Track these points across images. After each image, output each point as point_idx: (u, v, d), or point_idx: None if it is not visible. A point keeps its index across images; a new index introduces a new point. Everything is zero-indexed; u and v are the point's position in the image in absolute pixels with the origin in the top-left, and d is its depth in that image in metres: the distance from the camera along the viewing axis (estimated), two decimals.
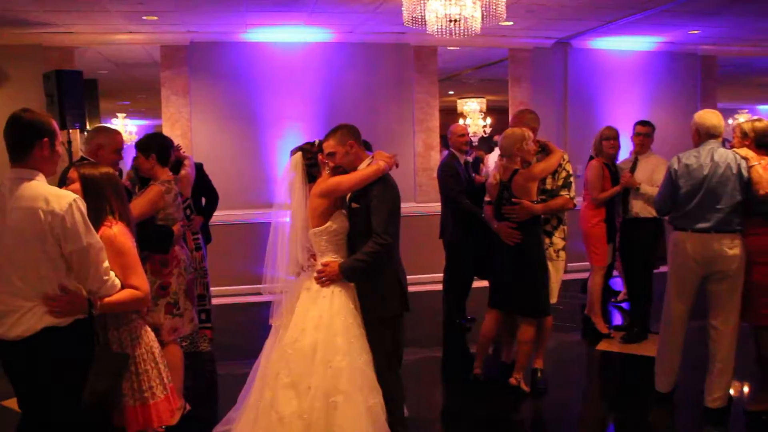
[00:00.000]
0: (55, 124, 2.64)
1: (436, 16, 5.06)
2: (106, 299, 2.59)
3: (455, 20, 5.09)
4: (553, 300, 4.69)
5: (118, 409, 2.73)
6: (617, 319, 6.54)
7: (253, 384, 3.58)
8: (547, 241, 4.60)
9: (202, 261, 5.34)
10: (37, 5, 6.15)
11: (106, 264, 2.59)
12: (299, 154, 3.68)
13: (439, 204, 6.31)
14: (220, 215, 7.60)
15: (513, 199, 4.38)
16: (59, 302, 2.50)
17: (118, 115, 11.93)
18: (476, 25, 5.11)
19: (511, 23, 7.30)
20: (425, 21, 5.14)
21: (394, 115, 8.13)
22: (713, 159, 4.06)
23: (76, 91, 6.66)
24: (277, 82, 7.77)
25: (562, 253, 4.67)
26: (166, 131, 7.62)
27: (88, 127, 6.91)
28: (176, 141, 7.49)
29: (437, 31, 5.08)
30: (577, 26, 7.68)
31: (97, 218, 2.69)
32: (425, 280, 7.72)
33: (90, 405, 2.51)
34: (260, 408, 3.37)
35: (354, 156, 3.49)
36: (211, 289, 7.37)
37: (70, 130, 6.74)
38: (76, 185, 2.77)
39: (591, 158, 5.94)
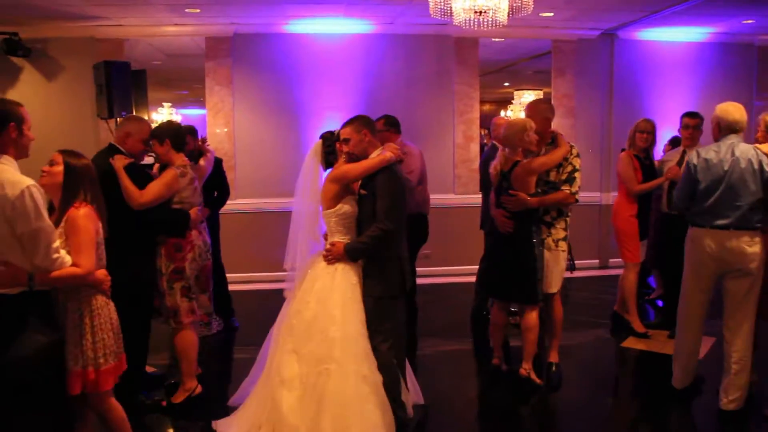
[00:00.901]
0: (23, 111, 2.90)
1: (463, 8, 5.04)
2: (46, 275, 2.81)
3: (482, 11, 5.06)
4: (554, 290, 4.65)
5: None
6: (651, 317, 6.37)
7: (266, 354, 3.86)
8: (546, 231, 4.57)
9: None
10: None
11: (56, 244, 2.82)
12: (320, 141, 3.95)
13: (478, 196, 6.29)
14: (260, 203, 7.85)
15: (510, 191, 4.41)
16: (1, 274, 2.75)
17: (164, 104, 12.31)
18: (502, 16, 5.05)
19: (551, 14, 7.18)
20: (452, 12, 5.12)
21: (434, 107, 8.12)
22: (734, 154, 3.93)
23: (123, 81, 6.91)
24: (318, 73, 7.87)
25: (563, 244, 4.61)
26: (210, 120, 7.86)
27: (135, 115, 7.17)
28: (219, 130, 7.81)
29: (464, 23, 5.05)
30: (623, 17, 7.47)
31: (69, 199, 2.98)
32: (462, 272, 7.71)
33: (10, 368, 2.72)
34: (270, 372, 3.67)
35: (367, 144, 3.73)
36: (250, 275, 7.61)
37: (118, 119, 7.01)
38: (60, 167, 3.01)
39: (622, 150, 5.84)
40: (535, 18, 7.33)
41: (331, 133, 3.97)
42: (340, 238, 3.72)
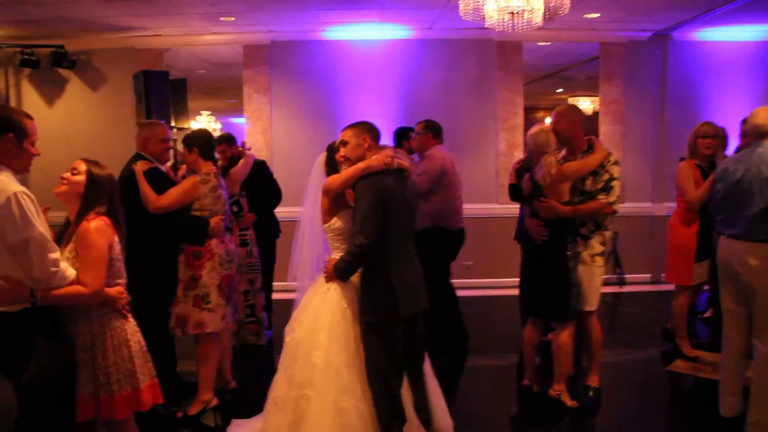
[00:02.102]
0: (27, 123, 2.73)
1: (495, 9, 4.81)
2: (49, 292, 2.63)
3: (515, 12, 4.81)
4: (591, 307, 4.31)
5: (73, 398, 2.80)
6: (703, 336, 5.94)
7: None
8: (581, 244, 4.26)
9: (248, 257, 5.38)
10: (121, 11, 6.49)
11: (54, 256, 2.62)
12: (324, 153, 3.71)
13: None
14: (297, 212, 7.71)
15: (541, 198, 4.14)
16: (1, 291, 2.58)
17: (203, 112, 12.41)
18: (538, 18, 4.79)
19: (597, 15, 6.85)
20: (484, 14, 4.89)
21: (476, 114, 7.87)
22: (750, 161, 3.63)
23: (162, 90, 6.97)
24: (356, 80, 7.75)
25: (599, 259, 4.27)
26: (248, 128, 7.83)
27: (173, 123, 7.21)
28: (257, 137, 7.77)
29: (497, 25, 4.82)
30: (677, 15, 7.06)
31: (87, 211, 2.80)
32: (505, 284, 7.42)
33: (25, 392, 2.60)
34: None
35: (365, 150, 3.43)
36: (285, 284, 7.50)
37: None
38: (81, 177, 2.86)
39: (681, 159, 5.27)
40: (580, 20, 7.05)
41: (334, 143, 3.71)
42: (338, 255, 3.45)
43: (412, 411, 3.50)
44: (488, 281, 7.78)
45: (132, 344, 2.84)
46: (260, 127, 7.80)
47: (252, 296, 5.44)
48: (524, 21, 4.76)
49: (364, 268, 3.36)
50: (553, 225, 4.14)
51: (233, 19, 6.88)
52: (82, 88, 7.78)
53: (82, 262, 2.72)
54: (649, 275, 8.02)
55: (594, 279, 4.29)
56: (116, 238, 2.86)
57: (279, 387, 3.40)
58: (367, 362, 3.30)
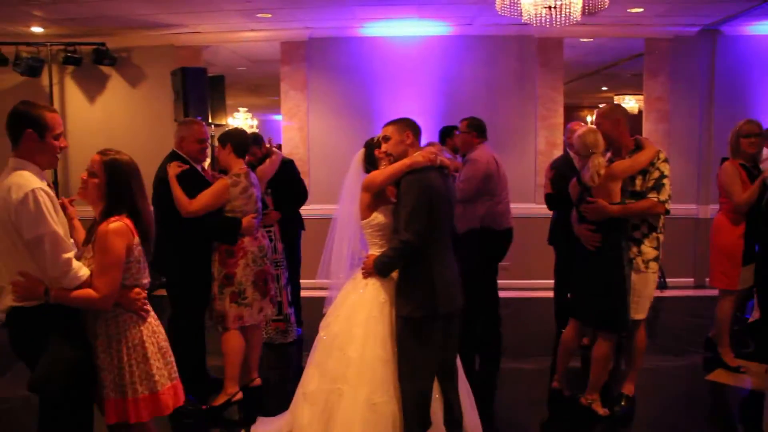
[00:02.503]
0: (48, 117, 2.71)
1: (532, 3, 4.68)
2: (62, 291, 2.62)
3: (553, 6, 4.68)
4: (641, 316, 4.13)
5: (98, 400, 2.78)
6: (747, 344, 5.67)
7: None
8: (634, 249, 4.06)
9: (273, 253, 5.35)
10: (160, 8, 6.55)
11: (67, 256, 2.61)
12: (362, 150, 3.69)
13: None
14: (334, 209, 7.69)
15: (588, 198, 3.97)
16: (17, 286, 2.61)
17: (240, 109, 12.48)
18: (576, 12, 4.64)
19: (641, 9, 6.63)
20: (521, 9, 4.77)
21: (515, 111, 7.71)
22: None
23: (199, 87, 7.03)
24: (393, 77, 7.68)
25: (653, 265, 4.07)
26: (285, 125, 7.83)
27: (210, 120, 7.25)
28: (294, 134, 7.77)
29: (534, 20, 4.69)
30: (728, 9, 6.76)
31: (109, 211, 2.73)
32: (542, 286, 7.24)
33: (33, 388, 2.61)
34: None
35: (408, 147, 3.39)
36: (312, 281, 7.51)
37: None
38: (96, 180, 2.80)
39: (723, 160, 5.04)
40: (623, 15, 6.84)
41: (373, 139, 3.70)
42: (377, 251, 3.43)
43: (439, 418, 3.43)
44: (524, 282, 7.62)
45: (148, 346, 2.79)
46: (297, 124, 7.80)
47: (278, 293, 5.43)
48: (562, 16, 4.63)
49: (404, 264, 3.31)
50: (606, 228, 3.97)
51: (270, 15, 6.87)
52: (122, 85, 7.90)
53: (96, 266, 2.68)
54: (692, 279, 7.75)
55: (647, 287, 4.10)
56: (137, 239, 2.79)
57: (310, 381, 3.40)
58: (400, 359, 3.27)
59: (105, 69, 7.80)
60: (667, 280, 7.42)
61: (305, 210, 7.45)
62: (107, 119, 7.91)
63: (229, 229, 4.18)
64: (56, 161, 2.84)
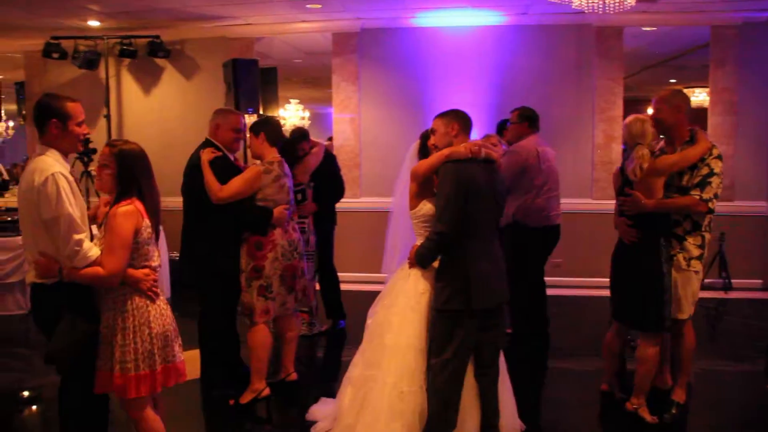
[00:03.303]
0: (70, 107, 2.92)
1: None
2: (73, 270, 2.79)
3: None
4: (683, 315, 3.91)
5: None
6: None
7: None
8: (676, 246, 3.85)
9: (304, 245, 5.33)
10: (212, 0, 6.56)
11: (78, 237, 2.78)
12: (417, 141, 3.69)
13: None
14: (386, 202, 7.59)
15: (626, 189, 3.79)
16: (37, 264, 2.83)
17: (291, 101, 12.47)
18: None
19: None
20: None
21: (572, 103, 7.44)
22: None
23: (251, 78, 7.00)
24: (446, 69, 7.51)
25: (695, 263, 3.84)
26: (336, 117, 7.79)
27: (261, 111, 7.24)
28: (345, 126, 7.71)
29: (585, 6, 4.48)
30: None
31: (121, 196, 2.88)
32: (598, 284, 6.95)
33: (48, 359, 2.82)
34: None
35: (453, 138, 3.34)
36: (376, 275, 7.49)
37: (245, 115, 7.10)
38: (108, 171, 2.92)
39: None
40: (687, 1, 6.49)
41: (428, 131, 3.66)
42: (422, 241, 3.39)
43: (476, 420, 3.33)
44: (578, 280, 7.36)
45: (154, 326, 2.89)
46: (348, 116, 7.72)
47: (306, 286, 5.38)
48: (616, 1, 4.39)
49: (442, 256, 3.27)
50: (643, 223, 3.76)
51: (320, 6, 6.81)
52: (176, 77, 7.98)
53: (105, 245, 2.82)
54: (760, 281, 7.33)
55: (690, 285, 3.89)
56: (147, 222, 2.90)
57: (355, 366, 3.50)
58: (431, 351, 3.24)
59: (159, 61, 7.90)
60: (733, 281, 7.17)
61: (357, 203, 7.41)
62: (161, 110, 8.01)
63: (260, 218, 4.08)
64: (79, 146, 3.08)
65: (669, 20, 7.20)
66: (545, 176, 5.12)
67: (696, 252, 3.86)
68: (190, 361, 4.79)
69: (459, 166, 3.19)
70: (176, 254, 6.76)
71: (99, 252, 2.82)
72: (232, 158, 4.29)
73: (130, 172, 2.90)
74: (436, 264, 3.33)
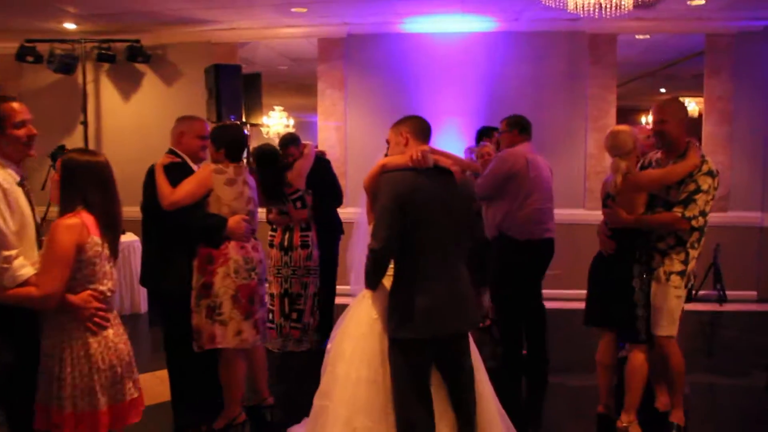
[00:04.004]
0: (4, 108, 2.61)
1: None
2: (3, 290, 2.48)
3: None
4: (663, 332, 3.69)
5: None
6: None
7: None
8: (657, 259, 3.69)
9: (307, 260, 5.13)
10: (194, 2, 6.38)
11: (9, 252, 2.49)
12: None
13: None
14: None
15: (608, 201, 3.69)
16: None
17: (275, 108, 12.23)
18: (627, 3, 4.23)
19: (702, 2, 6.16)
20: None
21: (564, 112, 7.28)
22: None
23: (233, 85, 6.77)
24: (435, 75, 7.33)
25: (675, 278, 3.64)
26: (321, 125, 7.61)
27: (244, 119, 7.01)
28: (331, 134, 7.49)
29: (581, 11, 4.31)
30: None
31: (63, 207, 2.55)
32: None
33: None
34: None
35: (402, 148, 3.01)
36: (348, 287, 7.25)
37: (227, 122, 6.87)
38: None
39: None
40: (682, 8, 6.38)
41: None
42: None
43: None
44: (573, 293, 7.17)
45: (96, 360, 2.52)
46: (334, 123, 7.52)
47: (303, 301, 5.14)
48: (613, 7, 4.23)
49: (393, 278, 2.92)
50: (621, 236, 3.67)
51: (305, 10, 6.62)
52: (156, 82, 7.75)
53: (41, 262, 2.51)
54: (755, 293, 7.19)
55: (667, 300, 3.67)
56: (95, 238, 2.54)
57: (316, 395, 3.14)
58: (391, 383, 2.89)
59: (140, 66, 7.66)
60: (728, 292, 7.02)
61: (342, 213, 7.15)
62: (141, 117, 7.76)
63: (213, 227, 3.69)
64: (26, 151, 2.71)
65: (663, 27, 7.08)
66: (532, 185, 4.84)
67: (678, 267, 3.67)
68: (162, 382, 4.58)
69: (396, 177, 2.84)
70: None
71: (32, 271, 2.52)
72: (196, 168, 3.90)
73: (73, 181, 2.56)
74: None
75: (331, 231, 5.51)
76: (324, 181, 5.32)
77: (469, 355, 3.04)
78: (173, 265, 3.77)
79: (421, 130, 3.04)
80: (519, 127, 4.92)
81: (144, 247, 4.07)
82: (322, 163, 5.35)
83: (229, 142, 3.84)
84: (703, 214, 3.55)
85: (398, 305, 2.85)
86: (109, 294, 2.61)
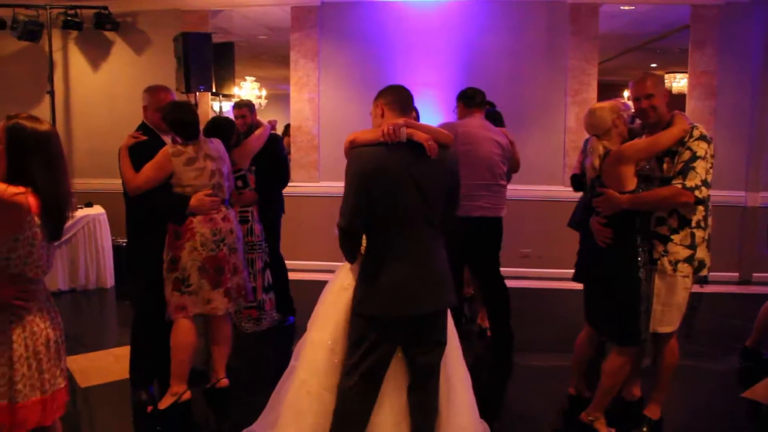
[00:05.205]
0: None
1: None
2: None
3: None
4: (667, 328, 3.43)
5: None
6: None
7: None
8: (660, 248, 3.36)
9: (248, 235, 4.95)
10: None
11: None
12: None
13: None
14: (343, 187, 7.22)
15: (597, 188, 3.33)
16: None
17: (247, 78, 11.94)
18: None
19: None
20: None
21: (543, 84, 7.06)
22: None
23: (203, 54, 6.53)
24: (411, 45, 7.10)
25: (684, 267, 3.34)
26: (294, 96, 7.39)
27: (214, 90, 6.80)
28: (303, 105, 7.27)
29: None
30: None
31: (10, 180, 2.26)
32: (568, 275, 6.63)
33: None
34: None
35: (379, 120, 2.81)
36: (335, 264, 7.12)
37: (197, 93, 6.66)
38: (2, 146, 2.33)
39: None
40: None
41: None
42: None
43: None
44: (548, 272, 7.02)
45: (17, 348, 2.30)
46: (307, 95, 7.30)
47: (252, 278, 4.97)
48: None
49: (363, 254, 2.80)
50: (618, 223, 3.30)
51: None
52: (126, 51, 7.53)
53: None
54: (737, 274, 7.02)
55: (676, 294, 3.38)
56: (36, 220, 2.28)
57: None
58: (344, 359, 2.84)
59: (109, 35, 7.44)
60: (709, 274, 6.82)
61: (316, 187, 6.99)
62: (111, 87, 7.55)
63: (175, 206, 3.69)
64: None
65: None
66: (478, 163, 4.61)
67: (684, 253, 3.34)
68: (117, 360, 4.49)
69: (362, 153, 2.68)
70: (121, 240, 6.38)
71: None
72: (168, 141, 3.83)
73: (19, 153, 2.29)
74: None
75: (274, 209, 5.35)
76: (270, 158, 5.06)
77: (441, 347, 2.89)
78: (144, 243, 3.87)
79: (399, 100, 2.82)
80: (465, 100, 4.78)
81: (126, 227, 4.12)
82: (273, 141, 5.12)
83: (171, 122, 3.73)
84: (706, 184, 3.22)
85: (364, 280, 2.76)
86: (36, 279, 2.39)
